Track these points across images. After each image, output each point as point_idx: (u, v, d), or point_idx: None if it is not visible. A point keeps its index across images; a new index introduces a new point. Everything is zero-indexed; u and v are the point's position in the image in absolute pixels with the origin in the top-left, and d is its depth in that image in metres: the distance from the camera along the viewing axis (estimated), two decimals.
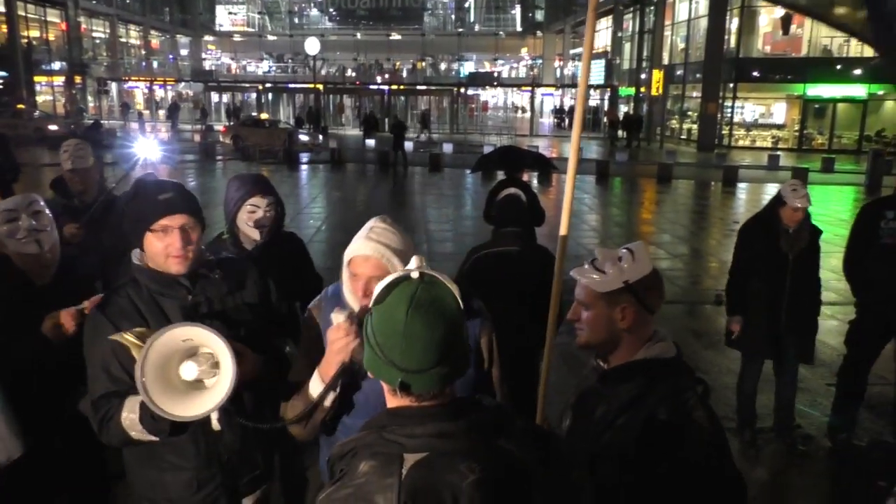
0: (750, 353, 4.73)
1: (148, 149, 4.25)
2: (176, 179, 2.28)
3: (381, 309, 1.26)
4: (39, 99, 40.00)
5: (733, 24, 31.24)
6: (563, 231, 1.89)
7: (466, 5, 70.26)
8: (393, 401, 1.28)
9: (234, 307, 2.21)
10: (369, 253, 1.87)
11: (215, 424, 2.05)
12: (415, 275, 1.27)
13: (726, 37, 31.16)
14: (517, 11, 67.60)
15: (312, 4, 71.49)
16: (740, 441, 4.66)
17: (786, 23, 29.42)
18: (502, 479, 1.20)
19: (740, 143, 32.46)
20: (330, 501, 1.20)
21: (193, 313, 2.10)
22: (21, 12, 38.16)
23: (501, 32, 66.26)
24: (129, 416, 1.95)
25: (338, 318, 1.79)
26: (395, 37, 65.33)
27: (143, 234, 2.08)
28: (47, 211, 2.57)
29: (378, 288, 1.28)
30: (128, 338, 1.91)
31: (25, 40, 38.68)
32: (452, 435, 1.21)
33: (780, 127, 32.77)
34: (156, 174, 4.11)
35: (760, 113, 33.44)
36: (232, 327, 2.13)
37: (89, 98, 45.47)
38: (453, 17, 69.95)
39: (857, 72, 29.09)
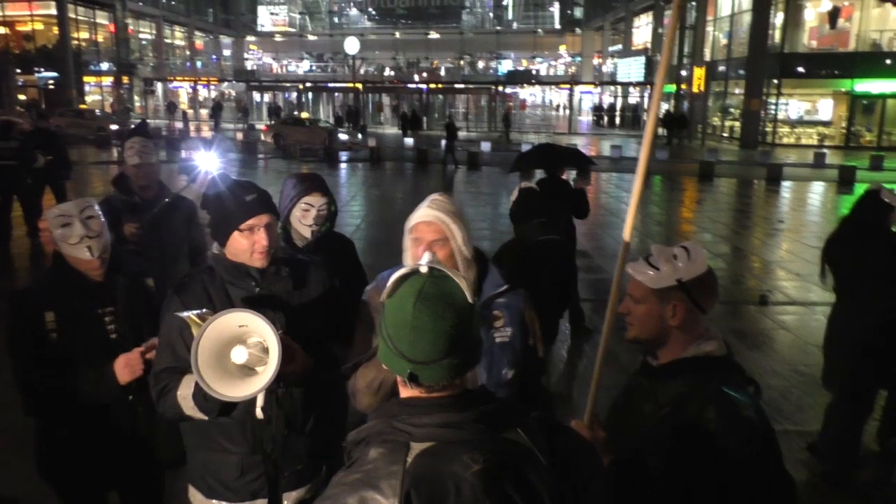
0: (875, 385, 4.26)
1: (209, 161, 4.38)
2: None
3: (392, 302, 1.29)
4: (88, 99, 41.12)
5: (778, 18, 30.52)
6: (626, 237, 1.91)
7: (505, 3, 69.97)
8: (405, 391, 1.31)
9: (297, 305, 2.29)
10: (431, 219, 2.08)
11: (258, 413, 2.12)
12: (423, 269, 1.30)
13: (770, 32, 30.45)
14: (556, 9, 67.09)
15: (352, 4, 71.99)
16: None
17: (833, 17, 28.65)
18: (507, 471, 1.22)
19: (784, 140, 31.69)
20: (339, 485, 1.24)
21: (257, 304, 2.18)
22: (71, 14, 39.28)
23: (540, 30, 65.84)
24: (184, 391, 2.09)
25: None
26: (434, 35, 65.41)
27: (230, 234, 2.21)
28: (101, 216, 2.64)
29: (389, 282, 1.32)
30: (192, 317, 2.02)
31: (75, 42, 39.81)
32: (459, 425, 1.23)
33: (826, 124, 31.86)
34: (227, 176, 4.20)
35: (806, 109, 32.55)
36: (291, 323, 2.21)
37: (136, 98, 46.55)
38: (491, 15, 69.74)
39: None
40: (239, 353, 1.86)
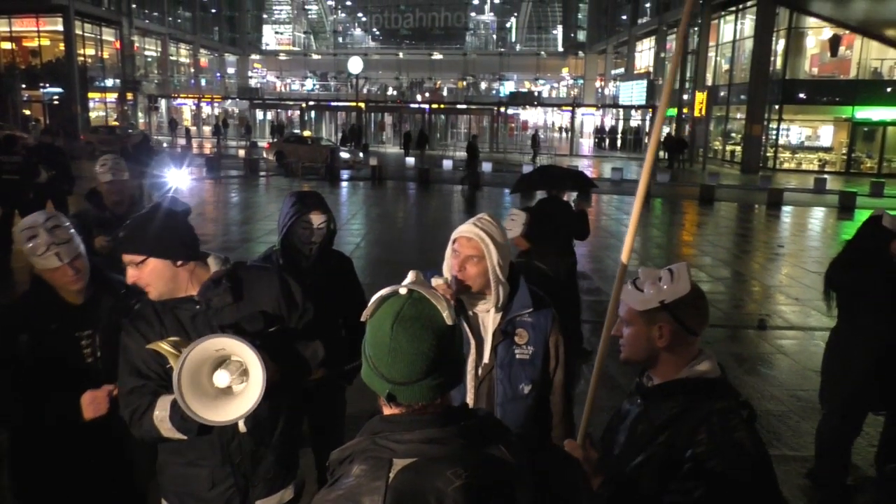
0: (864, 408, 4.29)
1: (179, 178, 4.48)
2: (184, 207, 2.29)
3: (372, 322, 1.30)
4: (92, 115, 41.37)
5: (779, 45, 30.81)
6: (624, 261, 1.95)
7: (508, 25, 70.73)
8: (387, 409, 1.32)
9: (244, 315, 2.24)
10: (471, 236, 2.23)
11: (242, 427, 2.15)
12: (402, 291, 1.31)
13: (772, 58, 30.73)
14: (559, 32, 67.80)
15: (356, 24, 72.73)
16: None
17: (834, 44, 28.91)
18: (489, 486, 1.22)
19: (785, 165, 31.86)
20: (322, 501, 1.24)
21: (201, 322, 2.18)
22: (78, 31, 39.62)
23: (543, 52, 66.44)
24: (160, 413, 2.08)
25: (437, 281, 2.11)
26: (437, 56, 66.00)
27: None
28: (68, 226, 2.57)
29: (370, 302, 1.33)
30: (164, 347, 2.02)
31: (81, 58, 40.11)
32: (440, 441, 1.24)
33: (827, 150, 32.06)
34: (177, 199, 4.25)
35: (807, 135, 32.76)
36: (240, 334, 2.14)
37: (140, 114, 46.84)
38: (495, 36, 70.50)
39: None
40: (221, 378, 1.88)
